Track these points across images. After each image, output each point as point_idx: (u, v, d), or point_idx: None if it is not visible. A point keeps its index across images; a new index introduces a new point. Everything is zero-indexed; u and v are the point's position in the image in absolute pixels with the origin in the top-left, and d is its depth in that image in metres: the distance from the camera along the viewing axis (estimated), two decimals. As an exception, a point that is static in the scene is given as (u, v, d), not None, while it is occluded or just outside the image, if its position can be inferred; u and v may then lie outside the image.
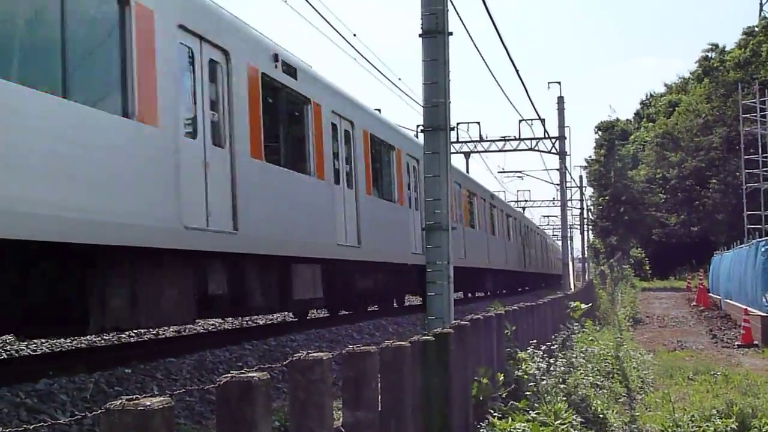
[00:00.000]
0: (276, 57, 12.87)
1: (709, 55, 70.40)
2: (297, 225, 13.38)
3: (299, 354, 3.49)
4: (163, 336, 15.87)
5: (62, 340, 14.65)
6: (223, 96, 11.21)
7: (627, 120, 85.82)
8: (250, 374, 2.98)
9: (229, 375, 2.97)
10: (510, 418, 6.60)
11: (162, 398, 2.41)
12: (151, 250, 9.50)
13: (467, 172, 38.98)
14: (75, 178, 8.08)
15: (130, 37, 9.05)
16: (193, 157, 10.30)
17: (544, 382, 8.21)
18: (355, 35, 21.37)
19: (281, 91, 13.38)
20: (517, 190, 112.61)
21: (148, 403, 2.38)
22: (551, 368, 9.13)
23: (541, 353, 9.25)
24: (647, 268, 65.74)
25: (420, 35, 10.54)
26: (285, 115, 13.89)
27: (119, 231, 8.71)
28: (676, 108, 69.20)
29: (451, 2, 10.76)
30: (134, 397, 2.41)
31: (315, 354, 3.49)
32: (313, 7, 11.81)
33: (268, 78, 12.56)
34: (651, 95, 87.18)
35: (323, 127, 14.84)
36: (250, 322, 18.46)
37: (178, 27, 10.13)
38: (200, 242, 10.32)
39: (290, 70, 13.48)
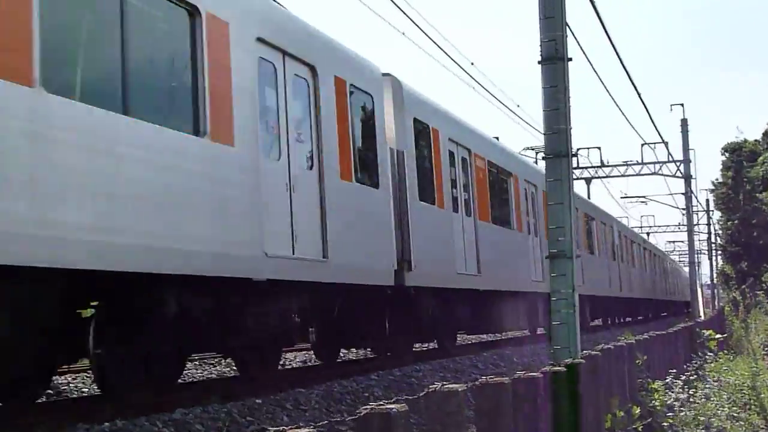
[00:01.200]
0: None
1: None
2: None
3: (434, 386, 3.50)
4: (290, 366, 16.14)
5: (194, 371, 15.11)
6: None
7: (755, 140, 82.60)
8: (389, 405, 3.00)
9: (369, 406, 3.00)
10: (645, 452, 6.41)
11: (308, 429, 2.47)
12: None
13: (588, 197, 38.31)
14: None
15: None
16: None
17: (683, 413, 7.93)
18: (472, 64, 21.20)
19: None
20: (641, 216, 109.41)
21: (295, 435, 2.44)
22: (690, 399, 8.81)
23: (681, 383, 8.95)
24: (782, 294, 62.77)
25: (539, 62, 10.48)
26: None
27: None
28: (809, 126, 66.16)
29: (570, 28, 10.68)
30: (281, 429, 2.47)
31: (450, 386, 3.49)
32: (430, 38, 11.94)
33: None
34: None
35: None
36: (371, 353, 18.55)
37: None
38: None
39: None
